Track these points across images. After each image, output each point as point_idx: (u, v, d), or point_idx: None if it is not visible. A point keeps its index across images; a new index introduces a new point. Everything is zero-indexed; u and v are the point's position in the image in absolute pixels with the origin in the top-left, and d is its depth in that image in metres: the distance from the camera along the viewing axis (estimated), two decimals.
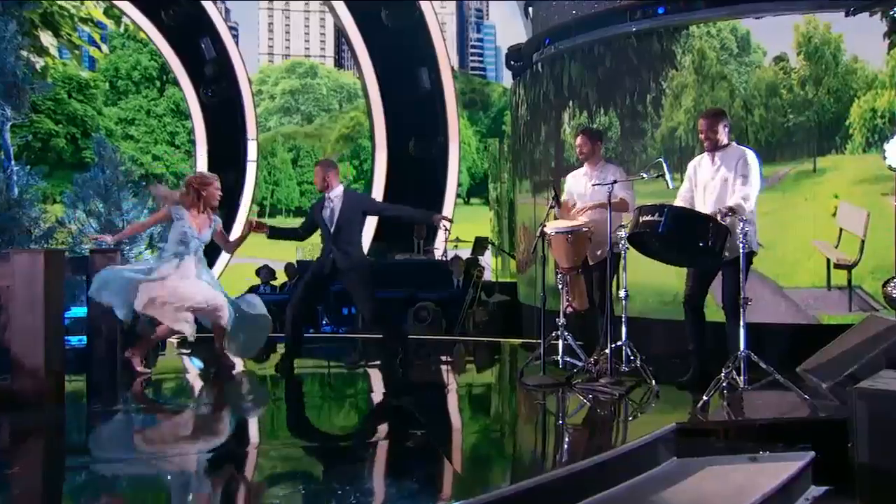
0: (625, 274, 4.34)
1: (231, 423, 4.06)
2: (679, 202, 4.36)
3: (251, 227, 5.16)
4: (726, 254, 4.05)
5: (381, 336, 5.40)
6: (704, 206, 4.26)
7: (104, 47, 39.28)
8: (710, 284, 4.38)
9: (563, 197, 4.92)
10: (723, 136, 4.27)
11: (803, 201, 5.46)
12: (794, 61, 5.54)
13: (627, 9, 6.55)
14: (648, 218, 4.02)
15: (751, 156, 4.21)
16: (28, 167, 7.34)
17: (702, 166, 4.37)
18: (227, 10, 70.80)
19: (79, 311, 6.36)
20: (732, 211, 4.01)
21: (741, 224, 3.93)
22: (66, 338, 5.66)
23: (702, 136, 4.31)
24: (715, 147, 4.27)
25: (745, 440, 3.47)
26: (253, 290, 10.10)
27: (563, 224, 4.63)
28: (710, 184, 4.28)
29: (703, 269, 4.32)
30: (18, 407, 3.91)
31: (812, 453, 3.38)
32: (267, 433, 3.87)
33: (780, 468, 3.25)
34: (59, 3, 17.73)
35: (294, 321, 5.18)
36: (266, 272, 10.18)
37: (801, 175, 5.49)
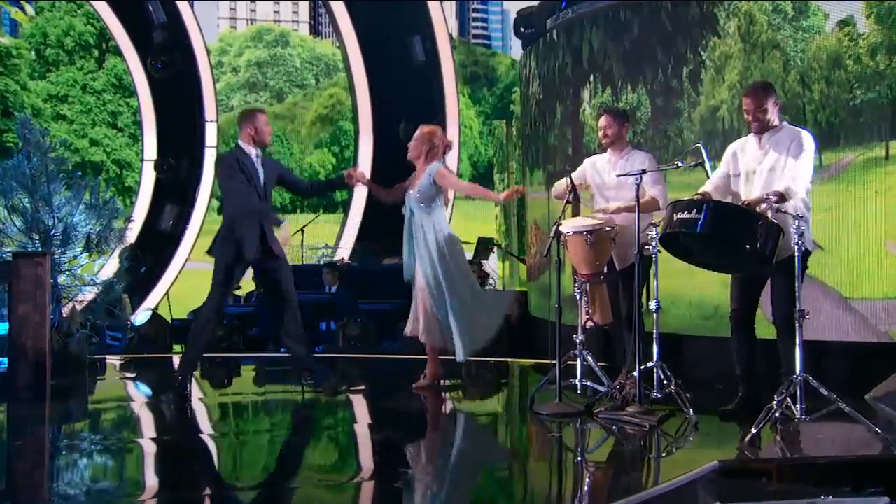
0: (656, 282, 4.34)
1: (183, 462, 4.06)
2: (708, 187, 4.37)
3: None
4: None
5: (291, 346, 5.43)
6: (748, 198, 4.25)
7: (29, 8, 39.27)
8: (759, 294, 4.39)
9: (576, 180, 4.91)
10: (773, 114, 4.28)
11: (873, 195, 5.45)
12: (862, 26, 5.54)
13: None
14: (685, 215, 4.02)
15: (806, 136, 4.23)
16: None
17: (746, 151, 4.37)
18: None
19: None
20: (782, 197, 4.00)
21: (796, 221, 3.93)
22: None
23: (748, 117, 4.31)
24: (764, 128, 4.28)
25: (802, 482, 3.46)
26: None
27: (582, 222, 4.63)
28: (755, 173, 4.29)
29: (751, 277, 4.32)
30: None
31: (886, 499, 3.36)
32: (228, 473, 3.86)
33: None
34: None
35: (208, 327, 5.23)
36: None
37: (871, 163, 5.48)
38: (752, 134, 4.35)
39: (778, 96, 4.36)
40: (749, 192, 4.29)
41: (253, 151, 5.26)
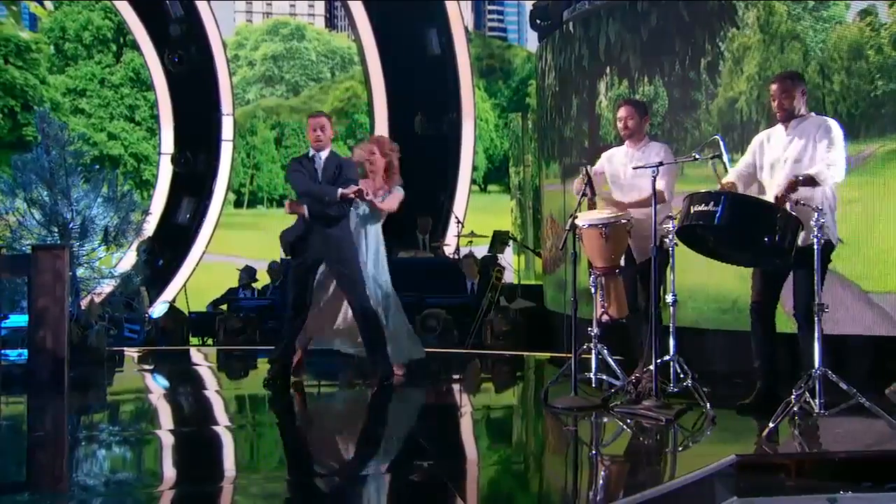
0: (673, 275, 4.31)
1: (203, 453, 4.08)
2: (732, 177, 4.33)
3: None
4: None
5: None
6: (771, 189, 4.22)
7: (48, 3, 39.58)
8: (781, 287, 4.36)
9: (594, 172, 4.86)
10: (800, 103, 4.25)
11: (895, 187, 5.40)
12: (884, 15, 5.48)
13: None
14: (702, 207, 3.99)
15: (833, 123, 4.21)
16: None
17: (771, 142, 4.34)
18: None
19: (18, 320, 6.41)
20: (812, 181, 3.95)
21: (815, 214, 3.89)
22: (2, 352, 5.72)
23: (774, 104, 4.29)
24: (789, 116, 4.25)
25: (821, 478, 3.44)
26: (231, 292, 10.21)
27: (598, 215, 4.61)
28: (780, 161, 4.25)
29: (772, 270, 4.29)
30: None
31: None
32: (245, 465, 3.88)
33: None
34: None
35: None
36: (246, 274, 10.28)
37: (893, 155, 5.42)
38: (779, 124, 4.33)
39: (806, 87, 4.32)
40: (774, 181, 4.25)
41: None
